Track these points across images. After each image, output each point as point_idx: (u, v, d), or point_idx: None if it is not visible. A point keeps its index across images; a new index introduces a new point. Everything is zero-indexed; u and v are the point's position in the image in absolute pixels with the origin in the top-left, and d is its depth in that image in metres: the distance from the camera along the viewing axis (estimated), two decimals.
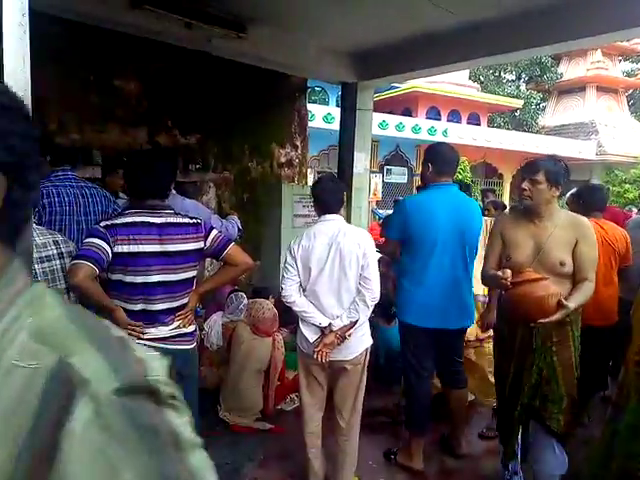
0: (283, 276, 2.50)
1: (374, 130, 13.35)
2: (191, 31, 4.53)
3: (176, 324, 2.09)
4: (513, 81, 25.08)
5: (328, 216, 2.51)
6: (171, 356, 2.00)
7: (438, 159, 2.85)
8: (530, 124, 21.91)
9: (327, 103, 15.63)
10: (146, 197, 2.06)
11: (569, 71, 21.97)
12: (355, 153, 6.30)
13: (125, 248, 1.95)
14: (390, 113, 15.24)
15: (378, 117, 13.81)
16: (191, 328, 2.17)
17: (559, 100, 22.40)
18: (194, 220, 2.14)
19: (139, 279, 1.99)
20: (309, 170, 13.42)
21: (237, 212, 6.00)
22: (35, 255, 1.97)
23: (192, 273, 2.14)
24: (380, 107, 15.94)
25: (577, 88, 21.39)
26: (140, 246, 1.98)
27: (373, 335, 4.04)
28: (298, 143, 6.67)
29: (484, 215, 4.75)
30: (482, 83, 23.21)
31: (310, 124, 11.93)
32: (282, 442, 3.09)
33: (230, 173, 5.76)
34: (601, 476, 2.43)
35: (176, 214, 2.12)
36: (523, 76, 24.39)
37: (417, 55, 5.36)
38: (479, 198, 7.64)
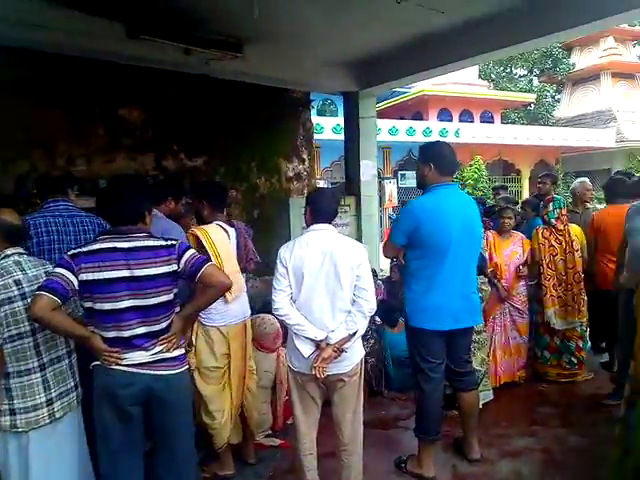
0: (274, 287, 2.40)
1: (386, 137, 13.45)
2: (189, 56, 4.63)
3: (158, 349, 2.06)
4: (525, 76, 24.79)
5: (321, 225, 2.44)
6: (151, 382, 1.98)
7: (441, 159, 2.79)
8: (545, 117, 21.58)
9: (337, 114, 15.72)
10: (116, 223, 2.06)
11: (581, 60, 21.61)
12: (361, 161, 6.31)
13: (90, 276, 1.95)
14: (401, 119, 15.25)
15: (388, 124, 13.82)
16: (176, 352, 2.12)
17: (573, 91, 22.01)
18: (168, 242, 2.10)
19: (107, 306, 1.98)
20: (322, 182, 13.49)
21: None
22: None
23: (169, 296, 2.10)
24: (390, 113, 15.95)
25: (591, 77, 21.00)
26: (105, 273, 1.96)
27: (380, 343, 4.03)
28: (305, 156, 6.70)
29: (493, 213, 4.67)
30: (493, 80, 23.01)
31: (320, 136, 12.07)
32: (291, 457, 2.94)
33: (238, 191, 5.82)
34: (619, 475, 2.35)
35: (149, 237, 2.09)
36: (535, 70, 24.08)
37: (414, 58, 5.36)
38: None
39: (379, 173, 14.42)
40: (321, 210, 2.47)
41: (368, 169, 6.38)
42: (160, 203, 3.02)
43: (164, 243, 2.10)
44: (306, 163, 6.72)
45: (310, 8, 4.23)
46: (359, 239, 6.46)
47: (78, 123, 4.71)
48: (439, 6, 4.26)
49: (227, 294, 2.65)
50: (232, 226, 2.99)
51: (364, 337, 3.98)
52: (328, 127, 12.33)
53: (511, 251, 4.20)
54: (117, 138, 5.00)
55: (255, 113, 5.98)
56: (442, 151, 2.82)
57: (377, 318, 4.15)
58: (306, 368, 2.36)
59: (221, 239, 2.80)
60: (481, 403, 3.55)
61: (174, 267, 2.08)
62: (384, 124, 13.68)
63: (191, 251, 2.14)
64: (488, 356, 3.67)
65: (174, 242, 2.12)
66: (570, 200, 5.26)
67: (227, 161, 5.80)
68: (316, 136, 11.42)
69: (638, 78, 21.20)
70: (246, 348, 2.92)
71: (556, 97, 23.55)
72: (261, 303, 4.11)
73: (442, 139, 14.32)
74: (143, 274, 2.01)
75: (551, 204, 4.27)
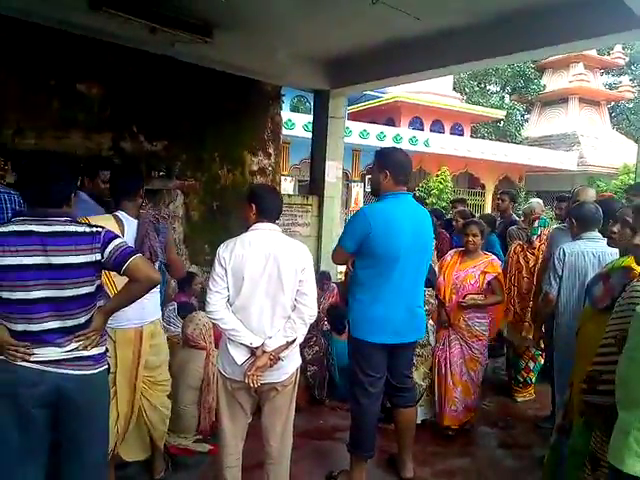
0: (209, 288, 2.25)
1: (356, 140, 13.41)
2: (155, 35, 4.44)
3: (74, 346, 1.88)
4: (497, 92, 25.27)
5: (266, 225, 2.31)
6: (61, 382, 1.74)
7: (397, 167, 2.70)
8: (513, 135, 22.04)
9: (310, 111, 15.58)
10: (35, 204, 1.86)
11: (552, 83, 22.19)
12: (327, 162, 6.24)
13: (0, 260, 1.77)
14: (373, 123, 15.22)
15: (359, 127, 13.79)
16: (95, 351, 1.95)
17: (542, 111, 22.60)
18: (92, 229, 1.92)
19: (17, 295, 1.79)
20: (290, 179, 13.35)
21: (207, 220, 5.90)
22: None
23: (89, 288, 1.92)
24: (363, 117, 15.95)
25: (560, 100, 21.61)
26: (17, 258, 1.78)
27: (323, 350, 3.95)
28: (271, 151, 6.56)
29: (451, 226, 4.67)
30: (467, 94, 23.35)
31: (291, 132, 11.93)
32: (218, 463, 2.63)
33: (198, 180, 5.63)
34: None
35: (71, 222, 1.91)
36: (507, 88, 24.59)
37: (388, 62, 5.32)
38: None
39: (347, 175, 14.39)
40: (267, 208, 2.33)
41: (333, 170, 6.32)
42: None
43: (88, 230, 1.91)
44: (272, 158, 6.58)
45: None
46: (319, 240, 6.39)
47: (31, 93, 4.45)
48: (414, 12, 4.22)
49: None
50: (137, 218, 2.64)
51: (307, 344, 3.92)
52: (300, 124, 12.19)
53: (466, 274, 3.56)
54: (73, 113, 4.76)
55: (222, 102, 5.81)
56: (399, 159, 2.73)
57: (325, 323, 4.08)
58: (239, 375, 2.23)
59: None
60: (421, 419, 3.53)
61: (97, 257, 1.90)
62: (356, 126, 13.64)
63: (117, 240, 1.95)
64: (431, 370, 3.61)
65: (99, 229, 1.94)
66: (522, 219, 5.33)
67: (189, 148, 5.61)
68: (287, 132, 11.33)
69: (603, 105, 21.95)
70: (140, 357, 2.59)
71: (525, 116, 24.14)
72: None
73: (412, 147, 14.41)
74: (61, 262, 1.82)
75: (537, 222, 4.30)
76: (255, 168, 6.35)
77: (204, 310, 3.24)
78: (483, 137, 20.79)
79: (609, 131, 21.66)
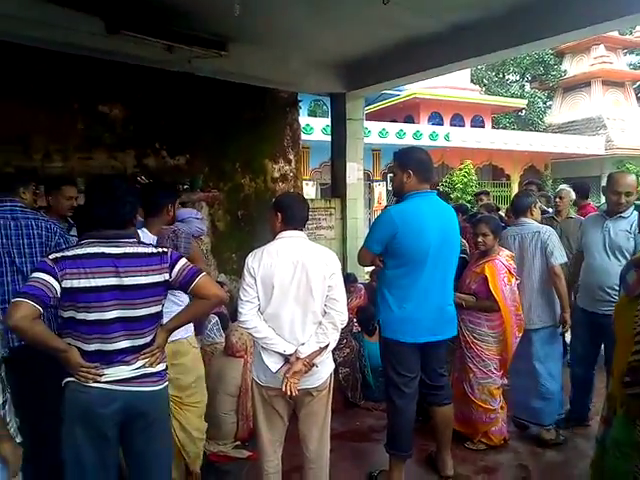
0: (240, 298, 2.25)
1: (376, 139, 13.39)
2: (171, 53, 4.55)
3: (140, 363, 1.92)
4: (517, 81, 24.81)
5: (291, 232, 2.32)
6: (132, 399, 1.70)
7: (420, 166, 2.69)
8: (536, 123, 21.61)
9: (327, 115, 15.61)
10: (103, 226, 1.91)
11: (573, 67, 21.69)
12: (347, 163, 6.25)
13: (75, 283, 1.79)
14: (393, 121, 15.18)
15: (378, 126, 13.76)
16: (159, 367, 1.99)
17: (564, 97, 22.10)
18: (159, 250, 1.98)
19: (92, 316, 1.82)
20: (311, 183, 13.40)
21: (232, 229, 5.98)
22: None
23: (158, 308, 1.98)
24: (382, 116, 15.91)
25: (582, 84, 21.09)
26: (92, 280, 1.81)
27: (354, 352, 3.94)
28: (292, 157, 6.61)
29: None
30: (485, 85, 23.03)
31: (310, 137, 12.00)
32: (258, 470, 2.55)
33: (221, 191, 5.71)
34: None
35: (138, 244, 1.96)
36: (527, 76, 24.14)
37: (404, 61, 5.31)
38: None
39: (369, 175, 14.36)
40: (293, 216, 2.34)
41: (354, 172, 6.33)
42: None
43: (155, 250, 1.97)
44: (292, 164, 6.64)
45: (295, 8, 4.16)
46: (344, 242, 6.41)
47: (56, 118, 4.60)
48: (426, 10, 4.21)
49: None
50: (157, 235, 2.67)
51: (337, 346, 3.91)
52: (318, 128, 12.24)
53: (467, 273, 3.36)
54: (97, 135, 4.89)
55: (240, 112, 5.90)
56: (421, 157, 2.72)
57: (356, 325, 4.08)
58: (274, 382, 2.26)
59: None
60: None
61: (165, 276, 1.95)
62: (374, 126, 13.62)
63: (183, 260, 2.01)
64: None
65: (165, 250, 2.00)
66: (551, 207, 5.18)
67: (211, 161, 5.70)
68: (306, 137, 11.41)
69: (628, 86, 21.34)
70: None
71: (547, 103, 23.63)
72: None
73: (432, 143, 14.30)
74: (133, 283, 1.88)
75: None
76: (277, 175, 6.41)
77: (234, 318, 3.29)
78: (505, 127, 20.45)
79: (636, 112, 21.03)
